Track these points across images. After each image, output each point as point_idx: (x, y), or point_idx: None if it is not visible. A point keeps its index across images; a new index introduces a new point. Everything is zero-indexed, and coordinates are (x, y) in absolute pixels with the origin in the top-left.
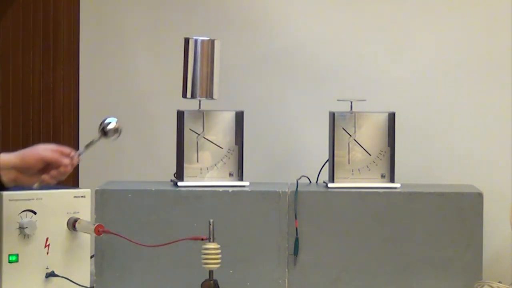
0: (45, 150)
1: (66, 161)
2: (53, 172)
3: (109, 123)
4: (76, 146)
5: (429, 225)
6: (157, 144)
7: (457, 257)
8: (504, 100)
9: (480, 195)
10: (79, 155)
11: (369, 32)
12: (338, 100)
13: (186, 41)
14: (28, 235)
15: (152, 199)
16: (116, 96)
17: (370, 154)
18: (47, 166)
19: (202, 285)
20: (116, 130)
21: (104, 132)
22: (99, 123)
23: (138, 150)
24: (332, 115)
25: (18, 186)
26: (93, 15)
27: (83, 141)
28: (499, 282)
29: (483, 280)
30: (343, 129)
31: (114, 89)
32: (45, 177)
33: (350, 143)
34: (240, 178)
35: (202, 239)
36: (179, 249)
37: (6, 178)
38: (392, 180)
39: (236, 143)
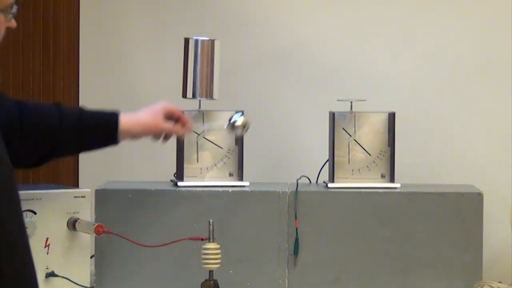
0: (163, 125)
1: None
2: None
3: (235, 120)
4: None
5: (429, 225)
6: (157, 144)
7: (457, 257)
8: (504, 100)
9: (480, 195)
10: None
11: (369, 32)
12: (338, 100)
13: (186, 41)
14: (28, 235)
15: (152, 199)
16: (116, 96)
17: (370, 154)
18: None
19: (202, 285)
20: (244, 126)
21: (233, 127)
22: (228, 119)
23: (138, 150)
24: (332, 115)
25: None
26: (93, 15)
27: None
28: (499, 282)
29: (483, 280)
30: (343, 129)
31: (114, 89)
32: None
33: (350, 143)
34: (240, 178)
35: (202, 239)
36: (179, 249)
37: (122, 139)
38: (392, 180)
39: (236, 143)
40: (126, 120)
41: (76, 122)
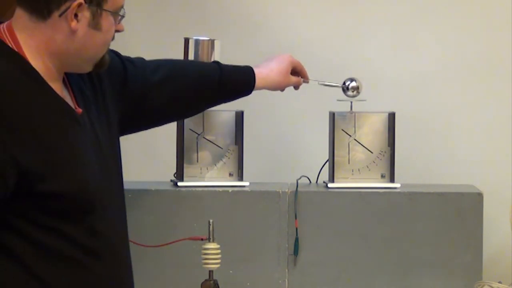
0: (291, 81)
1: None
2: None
3: (352, 81)
4: None
5: (429, 225)
6: (157, 144)
7: (457, 257)
8: (504, 100)
9: (480, 195)
10: (304, 82)
11: (369, 32)
12: (338, 100)
13: (186, 41)
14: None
15: (152, 199)
16: None
17: (372, 152)
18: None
19: (202, 285)
20: (357, 88)
21: (345, 86)
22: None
23: (138, 150)
24: (332, 115)
25: None
26: None
27: None
28: (499, 282)
29: (483, 280)
30: (343, 129)
31: None
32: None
33: (350, 143)
34: (240, 178)
35: (202, 239)
36: (179, 249)
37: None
38: (392, 180)
39: (236, 143)
40: (260, 80)
41: (218, 81)
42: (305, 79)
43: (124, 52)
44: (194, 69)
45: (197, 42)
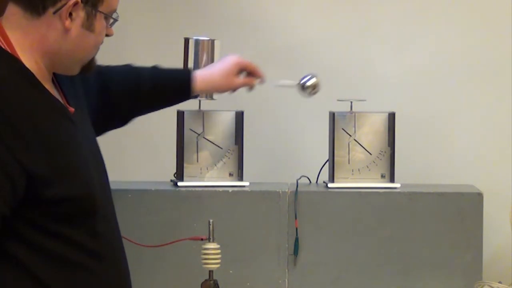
0: (236, 83)
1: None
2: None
3: (311, 78)
4: None
5: (429, 225)
6: (157, 144)
7: (457, 257)
8: (504, 100)
9: (480, 195)
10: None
11: (369, 32)
12: (338, 100)
13: (186, 41)
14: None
15: (152, 199)
16: None
17: (370, 154)
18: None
19: (202, 285)
20: (314, 86)
21: (302, 86)
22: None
23: (138, 150)
24: (332, 115)
25: None
26: None
27: None
28: (499, 282)
29: (483, 280)
30: (343, 129)
31: None
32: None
33: (350, 143)
34: (240, 178)
35: (202, 239)
36: (179, 249)
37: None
38: (392, 180)
39: (236, 143)
40: (200, 82)
41: (152, 83)
42: (259, 79)
43: (124, 52)
44: (124, 75)
45: (197, 42)
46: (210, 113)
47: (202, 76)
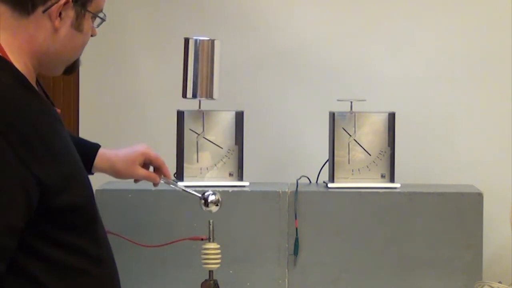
0: (138, 173)
1: (157, 180)
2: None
3: (213, 194)
4: None
5: (429, 225)
6: (157, 144)
7: (457, 257)
8: (504, 100)
9: (480, 195)
10: (166, 182)
11: (369, 32)
12: (338, 100)
13: (186, 41)
14: None
15: (152, 199)
16: (116, 96)
17: (370, 154)
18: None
19: (202, 285)
20: (216, 202)
21: (205, 200)
22: (201, 193)
23: None
24: (332, 115)
25: None
26: None
27: None
28: (499, 282)
29: (483, 280)
30: (343, 129)
31: (114, 89)
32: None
33: (350, 143)
34: (240, 178)
35: (202, 239)
36: (179, 249)
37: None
38: (392, 180)
39: (236, 143)
40: (100, 159)
41: None
42: (165, 176)
43: (124, 52)
44: None
45: (197, 42)
46: (210, 113)
47: (105, 154)
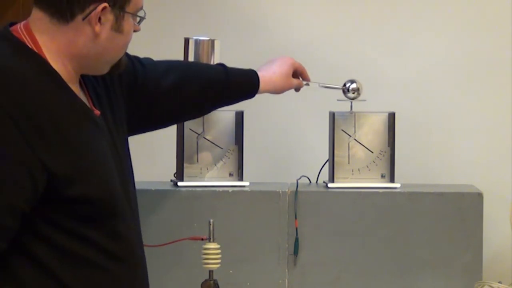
0: (293, 84)
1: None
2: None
3: (353, 82)
4: None
5: (429, 225)
6: (157, 144)
7: (457, 257)
8: (504, 100)
9: (480, 195)
10: (306, 84)
11: (369, 32)
12: (338, 100)
13: (186, 41)
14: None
15: (152, 199)
16: None
17: (372, 152)
18: None
19: (202, 285)
20: (357, 90)
21: (346, 88)
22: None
23: (138, 150)
24: (332, 115)
25: None
26: None
27: None
28: (499, 282)
29: (483, 280)
30: (343, 129)
31: None
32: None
33: (350, 143)
34: (240, 178)
35: (202, 239)
36: (179, 249)
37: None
38: (392, 180)
39: (236, 143)
40: (263, 83)
41: (224, 84)
42: (307, 81)
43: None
44: (203, 73)
45: (197, 42)
46: (210, 113)
47: (265, 76)
